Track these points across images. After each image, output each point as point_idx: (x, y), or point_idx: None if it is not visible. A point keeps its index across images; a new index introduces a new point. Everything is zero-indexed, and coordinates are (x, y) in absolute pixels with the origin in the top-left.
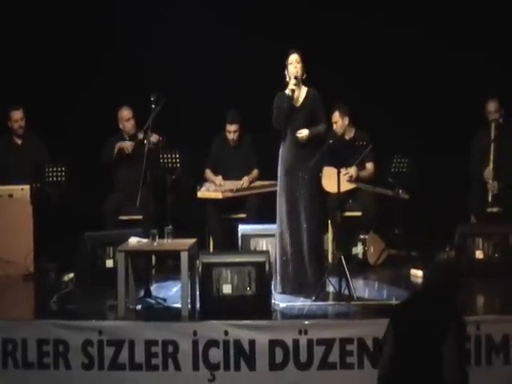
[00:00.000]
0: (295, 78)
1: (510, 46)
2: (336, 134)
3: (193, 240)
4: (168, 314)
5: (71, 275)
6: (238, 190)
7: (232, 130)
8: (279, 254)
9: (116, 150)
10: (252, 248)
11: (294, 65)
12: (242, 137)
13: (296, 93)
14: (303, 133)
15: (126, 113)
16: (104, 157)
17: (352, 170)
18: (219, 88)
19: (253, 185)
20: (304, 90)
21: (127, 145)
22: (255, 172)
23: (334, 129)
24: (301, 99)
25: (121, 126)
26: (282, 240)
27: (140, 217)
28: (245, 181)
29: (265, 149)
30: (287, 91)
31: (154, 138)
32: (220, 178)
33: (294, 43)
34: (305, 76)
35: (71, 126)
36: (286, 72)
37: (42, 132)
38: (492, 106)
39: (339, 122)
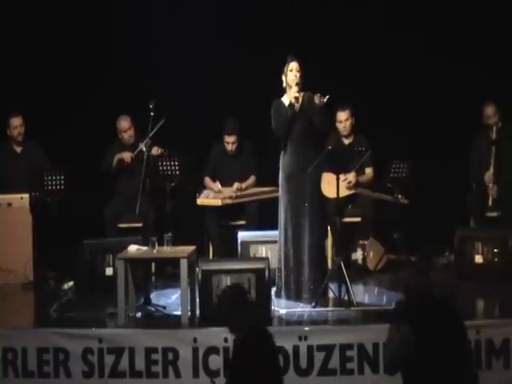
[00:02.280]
0: (297, 85)
1: (501, 54)
2: (339, 137)
3: (192, 247)
4: (168, 322)
5: (71, 283)
6: (237, 197)
7: (230, 142)
8: (283, 260)
9: (115, 161)
10: (251, 255)
11: (294, 73)
12: (242, 144)
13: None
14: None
15: (123, 124)
16: (103, 166)
17: (351, 176)
18: (218, 95)
19: (252, 191)
20: (300, 96)
21: (126, 155)
22: (252, 178)
23: (339, 128)
24: (297, 105)
25: (119, 137)
26: (284, 246)
27: (139, 224)
28: (236, 185)
29: (265, 155)
30: (291, 99)
31: (156, 150)
32: (218, 183)
33: (293, 49)
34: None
35: (70, 134)
36: (283, 78)
37: (41, 140)
38: (490, 110)
39: (350, 120)
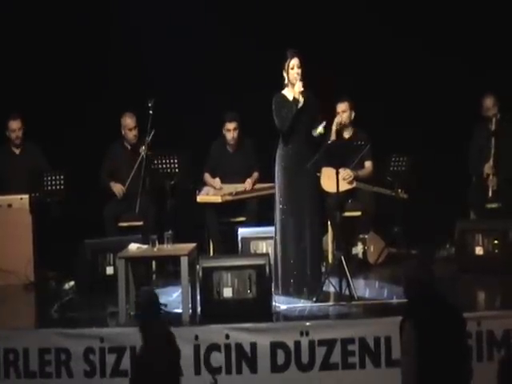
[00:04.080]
0: (300, 80)
1: (499, 46)
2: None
3: (193, 244)
4: (169, 319)
5: (72, 283)
6: (237, 194)
7: (231, 128)
8: (280, 255)
9: (108, 187)
10: (252, 251)
11: (295, 70)
12: (242, 141)
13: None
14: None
15: (128, 121)
16: (101, 179)
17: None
18: (217, 92)
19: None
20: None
21: (118, 189)
22: (256, 174)
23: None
24: (301, 100)
25: (123, 133)
26: (283, 241)
27: (140, 223)
28: (248, 183)
29: (265, 152)
30: (295, 95)
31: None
32: (218, 180)
33: (292, 44)
34: None
35: (70, 134)
36: (284, 74)
37: (40, 140)
38: (489, 101)
39: (347, 112)
